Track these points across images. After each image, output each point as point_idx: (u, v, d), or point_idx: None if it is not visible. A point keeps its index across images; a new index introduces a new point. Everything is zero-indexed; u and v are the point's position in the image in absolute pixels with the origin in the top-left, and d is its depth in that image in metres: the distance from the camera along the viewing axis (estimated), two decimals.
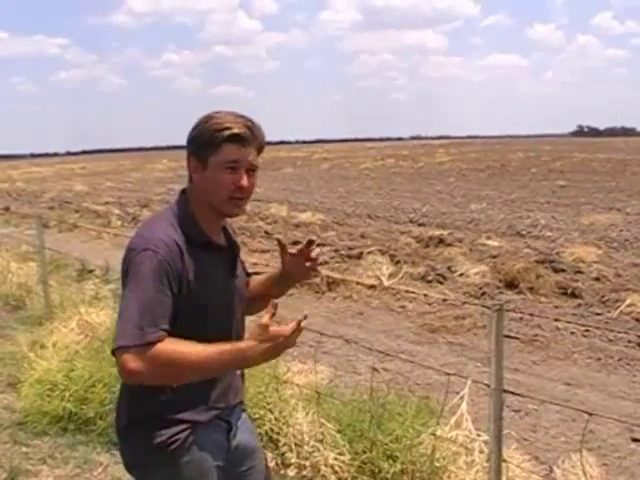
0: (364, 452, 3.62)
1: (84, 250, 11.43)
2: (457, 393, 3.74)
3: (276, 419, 3.96)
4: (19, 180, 40.76)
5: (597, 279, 8.81)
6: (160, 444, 1.90)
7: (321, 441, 3.76)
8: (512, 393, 3.14)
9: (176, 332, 1.81)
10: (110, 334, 4.79)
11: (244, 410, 2.22)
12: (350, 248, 11.27)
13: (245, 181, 1.89)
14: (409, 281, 9.00)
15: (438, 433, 3.46)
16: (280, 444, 3.84)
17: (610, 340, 6.50)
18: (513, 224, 14.44)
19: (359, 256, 10.50)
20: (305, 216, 15.98)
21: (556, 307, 7.77)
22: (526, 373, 5.74)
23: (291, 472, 3.72)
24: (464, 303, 7.56)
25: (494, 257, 10.25)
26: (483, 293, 8.33)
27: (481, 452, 3.42)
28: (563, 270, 9.29)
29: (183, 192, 1.99)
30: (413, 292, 7.83)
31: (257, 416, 3.91)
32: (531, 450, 4.17)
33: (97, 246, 12.54)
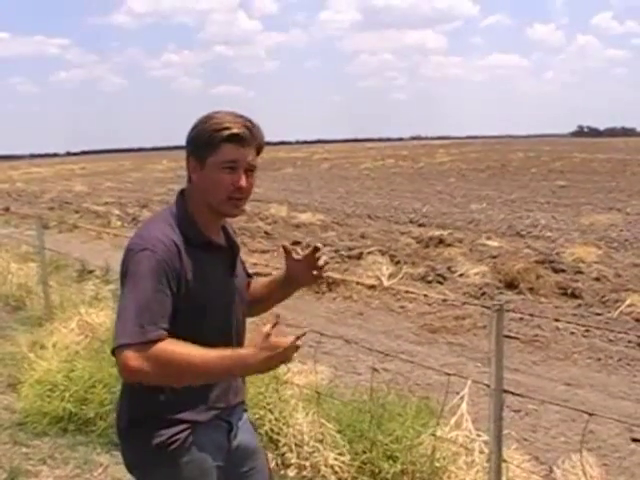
0: (364, 452, 3.62)
1: (84, 250, 11.44)
2: (457, 393, 3.74)
3: (276, 419, 3.96)
4: (19, 180, 40.78)
5: (597, 279, 8.82)
6: (160, 444, 1.90)
7: (321, 441, 3.76)
8: (512, 393, 3.13)
9: (175, 332, 1.80)
10: (110, 335, 4.78)
11: (245, 410, 2.21)
12: (350, 248, 11.27)
13: (244, 181, 1.89)
14: (409, 281, 9.00)
15: (438, 433, 3.46)
16: (280, 444, 3.84)
17: (610, 340, 6.51)
18: (513, 224, 14.45)
19: (359, 256, 10.50)
20: (305, 216, 15.98)
21: (556, 307, 7.77)
22: (526, 373, 5.74)
23: (291, 472, 3.72)
24: (464, 303, 7.56)
25: (494, 257, 10.25)
26: (483, 293, 8.33)
27: (481, 452, 3.42)
28: (563, 270, 9.29)
29: (182, 192, 2.00)
30: (413, 292, 7.83)
31: (257, 416, 3.91)
32: (531, 450, 4.17)
33: (97, 246, 12.54)
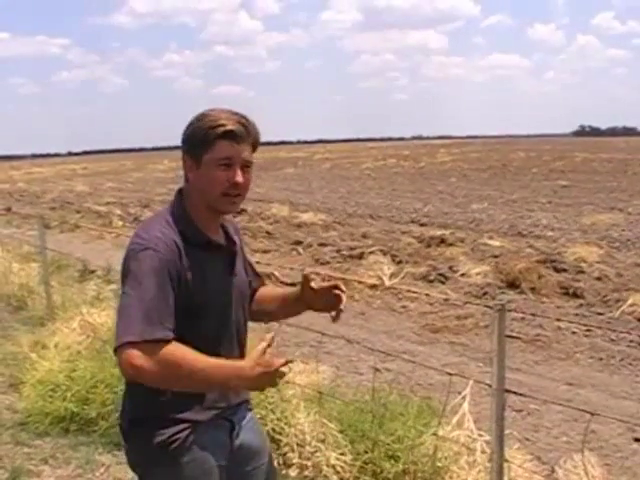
0: (366, 452, 3.62)
1: (86, 250, 11.44)
2: (459, 393, 3.73)
3: (278, 419, 3.96)
4: (20, 181, 40.79)
5: (599, 279, 8.81)
6: (161, 443, 1.90)
7: (323, 441, 3.76)
8: (514, 393, 3.13)
9: (175, 331, 1.82)
10: (112, 335, 4.79)
11: (250, 410, 2.21)
12: (352, 248, 11.28)
13: (240, 177, 1.89)
14: (411, 281, 9.00)
15: (440, 433, 3.45)
16: (282, 444, 3.84)
17: (612, 340, 6.50)
18: (515, 224, 14.44)
19: (361, 256, 10.50)
20: (307, 216, 15.98)
21: (558, 307, 7.77)
22: (528, 373, 5.73)
23: (293, 472, 3.72)
24: (466, 303, 7.56)
25: (496, 257, 10.25)
26: (485, 293, 8.33)
27: (483, 452, 3.42)
28: (565, 270, 9.29)
29: (179, 192, 2.00)
30: (415, 292, 7.83)
31: (259, 416, 3.90)
32: (533, 450, 4.16)
33: (99, 246, 12.55)
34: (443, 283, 8.95)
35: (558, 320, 6.88)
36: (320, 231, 13.91)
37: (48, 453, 4.17)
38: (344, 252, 10.97)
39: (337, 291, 2.12)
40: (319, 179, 31.29)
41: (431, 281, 9.04)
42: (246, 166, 1.92)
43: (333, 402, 4.04)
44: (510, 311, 5.80)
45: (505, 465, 2.99)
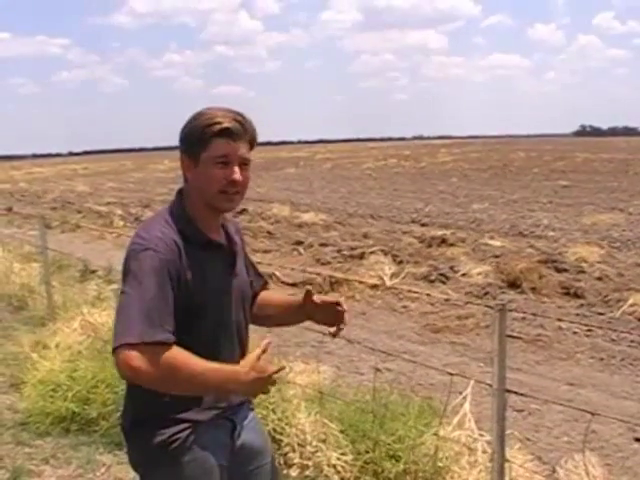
0: (367, 452, 3.62)
1: (86, 250, 11.44)
2: (460, 393, 3.74)
3: (279, 419, 3.96)
4: (21, 181, 40.80)
5: (600, 279, 8.81)
6: (161, 443, 1.90)
7: (324, 441, 3.76)
8: (515, 393, 3.13)
9: (175, 331, 1.82)
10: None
11: (252, 409, 2.21)
12: (352, 248, 11.27)
13: (237, 175, 1.89)
14: (411, 281, 9.01)
15: (441, 433, 3.45)
16: (283, 444, 3.84)
17: (613, 340, 6.50)
18: (515, 224, 14.44)
19: (361, 256, 10.50)
20: (307, 216, 15.98)
21: (559, 307, 7.77)
22: (529, 373, 5.73)
23: (294, 472, 3.72)
24: (467, 303, 7.56)
25: (497, 257, 10.26)
26: (486, 293, 8.33)
27: (484, 452, 3.42)
28: (566, 270, 9.29)
29: (179, 192, 2.00)
30: (416, 292, 7.83)
31: (260, 416, 3.90)
32: (534, 450, 4.16)
33: (99, 246, 12.55)
34: (444, 283, 8.95)
35: (559, 320, 6.88)
36: (321, 231, 13.92)
37: (49, 453, 4.17)
38: (345, 252, 10.97)
39: (339, 308, 2.14)
40: (320, 179, 31.29)
41: (432, 281, 9.03)
42: (244, 164, 1.92)
43: (334, 402, 4.04)
44: (511, 311, 5.81)
45: (506, 465, 2.99)
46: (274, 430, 3.90)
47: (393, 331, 7.11)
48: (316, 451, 3.73)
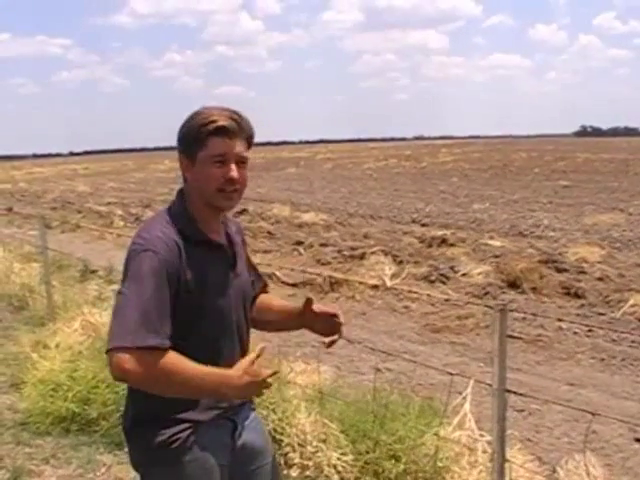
0: (367, 452, 3.62)
1: (87, 250, 11.44)
2: (460, 393, 3.73)
3: (279, 419, 3.96)
4: (22, 181, 40.82)
5: (600, 279, 8.81)
6: (161, 443, 1.90)
7: (324, 441, 3.76)
8: (515, 393, 3.13)
9: (175, 332, 1.82)
10: None
11: (253, 409, 2.22)
12: (353, 248, 11.27)
13: (235, 173, 1.89)
14: (412, 281, 9.00)
15: (441, 433, 3.45)
16: (283, 444, 3.84)
17: (613, 340, 6.50)
18: (516, 224, 14.44)
19: (362, 256, 10.50)
20: (308, 216, 15.98)
21: (559, 307, 7.76)
22: (529, 373, 5.73)
23: (294, 472, 3.72)
24: (467, 303, 7.56)
25: (497, 257, 10.25)
26: (486, 293, 8.33)
27: (484, 452, 3.42)
28: (566, 270, 9.28)
29: (180, 192, 2.00)
30: (416, 292, 7.83)
31: (260, 416, 3.90)
32: (534, 450, 4.16)
33: (100, 246, 12.55)
34: (444, 283, 8.95)
35: (559, 320, 6.88)
36: (321, 231, 13.91)
37: (49, 453, 4.17)
38: (345, 252, 10.97)
39: (337, 319, 2.15)
40: (320, 179, 31.30)
41: (432, 281, 9.03)
42: (241, 162, 1.92)
43: (334, 402, 4.04)
44: (511, 311, 5.80)
45: (506, 465, 2.98)
46: (274, 430, 3.90)
47: (393, 331, 7.11)
48: (316, 451, 3.73)
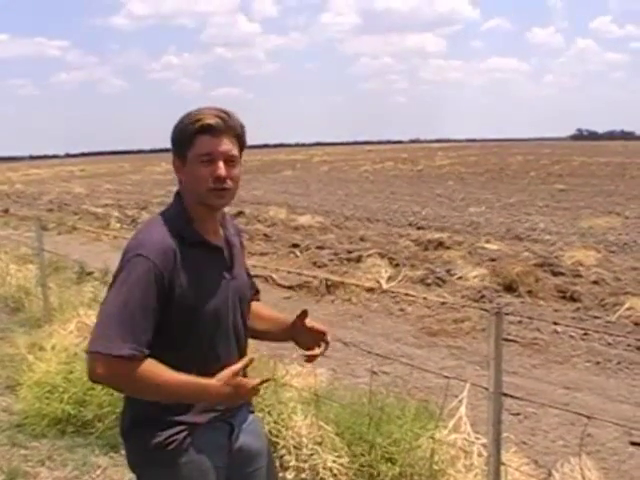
0: (363, 455, 3.62)
1: (83, 252, 11.43)
2: (456, 396, 3.74)
3: (275, 422, 3.96)
4: (18, 182, 40.74)
5: (596, 283, 8.82)
6: (158, 445, 1.91)
7: (320, 444, 3.75)
8: (511, 396, 3.13)
9: (170, 335, 1.85)
10: None
11: (252, 412, 2.22)
12: (349, 251, 11.27)
13: (222, 170, 1.88)
14: (408, 284, 9.00)
15: (437, 436, 3.45)
16: (279, 447, 3.83)
17: (609, 344, 6.50)
18: (512, 227, 14.46)
19: (358, 259, 10.50)
20: (304, 219, 15.98)
21: (555, 310, 7.77)
22: (525, 376, 5.74)
23: (289, 475, 3.71)
24: (463, 306, 7.56)
25: (493, 260, 10.26)
26: (482, 296, 8.33)
27: (480, 455, 3.42)
28: (562, 273, 9.30)
29: (177, 194, 2.01)
30: (412, 295, 7.82)
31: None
32: (530, 454, 4.17)
33: (96, 248, 12.53)
34: (440, 286, 8.95)
35: (555, 324, 6.89)
36: (318, 234, 13.91)
37: (45, 455, 4.16)
38: (342, 255, 10.97)
39: (325, 338, 2.18)
40: (317, 182, 31.31)
41: (428, 284, 9.03)
42: (230, 160, 1.92)
43: (330, 405, 4.04)
44: (507, 314, 5.80)
45: (502, 468, 2.98)
46: (270, 432, 3.89)
47: (390, 334, 7.11)
48: (312, 454, 3.73)
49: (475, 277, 9.14)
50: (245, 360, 1.87)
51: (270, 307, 2.36)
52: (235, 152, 1.93)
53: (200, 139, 1.88)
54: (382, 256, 10.47)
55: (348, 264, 10.38)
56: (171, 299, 1.83)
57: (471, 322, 7.18)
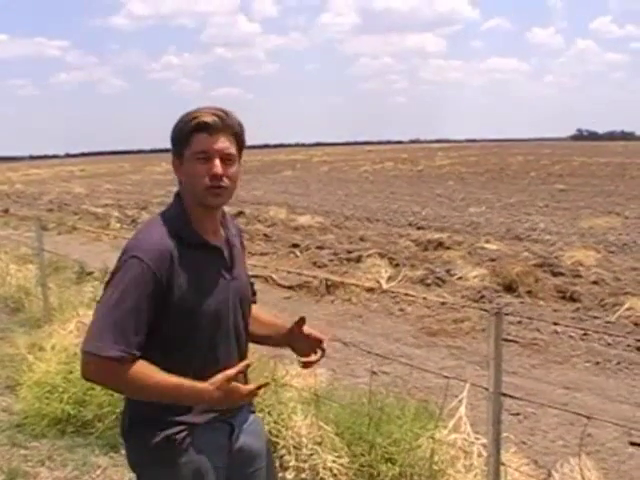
0: (362, 455, 3.62)
1: (83, 252, 11.43)
2: (456, 396, 3.73)
3: (275, 422, 3.96)
4: (18, 182, 40.75)
5: (596, 283, 8.82)
6: (158, 444, 1.91)
7: (320, 444, 3.75)
8: (511, 397, 3.14)
9: (170, 335, 1.86)
10: None
11: (253, 412, 2.22)
12: (349, 251, 11.27)
13: (219, 168, 1.88)
14: (408, 284, 9.00)
15: (437, 436, 3.46)
16: (279, 447, 3.83)
17: (609, 344, 6.50)
18: (512, 228, 14.46)
19: (358, 259, 10.50)
20: (304, 219, 15.99)
21: (555, 311, 7.77)
22: (525, 377, 5.74)
23: (289, 475, 3.71)
24: (463, 306, 7.57)
25: (493, 260, 10.27)
26: (482, 296, 8.33)
27: (479, 455, 3.42)
28: (562, 274, 9.30)
29: (177, 195, 2.00)
30: (412, 295, 7.82)
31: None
32: (530, 454, 4.17)
33: (96, 248, 12.52)
34: (440, 286, 8.96)
35: (555, 324, 6.89)
36: (318, 234, 13.91)
37: (45, 455, 4.16)
38: (342, 255, 10.97)
39: (321, 345, 2.18)
40: (317, 182, 31.31)
41: (428, 284, 9.04)
42: (227, 159, 1.91)
43: (330, 405, 4.04)
44: (507, 314, 5.81)
45: (502, 469, 2.99)
46: (270, 432, 3.89)
47: (389, 334, 7.11)
48: (312, 454, 3.73)
49: (475, 277, 9.14)
50: (240, 366, 1.87)
51: (268, 311, 2.36)
52: (232, 150, 1.92)
53: (197, 137, 1.88)
54: (382, 256, 10.47)
55: (348, 264, 10.38)
56: (169, 300, 1.84)
57: (471, 322, 7.19)
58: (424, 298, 7.81)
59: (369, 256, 10.48)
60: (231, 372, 1.83)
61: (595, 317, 7.41)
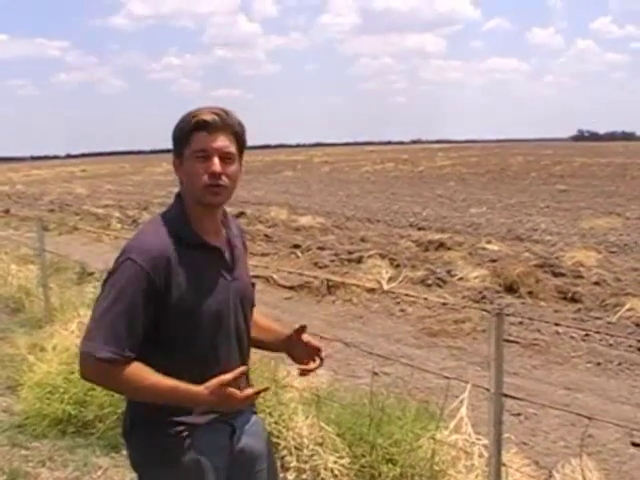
0: (363, 456, 3.62)
1: (84, 253, 11.43)
2: (457, 397, 3.73)
3: (276, 422, 3.96)
4: (19, 183, 40.80)
5: (597, 283, 8.81)
6: (159, 445, 1.92)
7: (321, 444, 3.75)
8: (512, 397, 3.13)
9: (171, 335, 1.86)
10: None
11: (254, 412, 2.21)
12: (350, 252, 11.27)
13: (217, 167, 1.87)
14: (409, 285, 9.00)
15: (438, 437, 3.45)
16: (280, 447, 3.83)
17: (610, 344, 6.50)
18: (513, 228, 14.45)
19: (359, 260, 10.50)
20: (305, 220, 15.99)
21: (556, 311, 7.76)
22: (526, 377, 5.74)
23: (290, 476, 3.71)
24: (464, 307, 7.56)
25: (494, 261, 10.25)
26: (483, 297, 8.33)
27: (481, 456, 3.42)
28: (563, 274, 9.29)
29: (177, 195, 2.00)
30: (413, 296, 7.82)
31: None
32: (531, 454, 4.17)
33: (97, 249, 12.52)
34: (441, 287, 8.95)
35: (556, 324, 6.88)
36: (319, 234, 13.91)
37: (46, 455, 4.16)
38: (342, 256, 10.97)
39: (320, 354, 2.16)
40: (318, 182, 31.32)
41: (429, 285, 9.03)
42: (227, 157, 1.91)
43: (331, 405, 4.04)
44: (508, 315, 5.81)
45: (503, 469, 2.98)
46: (271, 433, 3.89)
47: (390, 335, 7.11)
48: (313, 454, 3.73)
49: (476, 278, 9.14)
50: (237, 372, 1.84)
51: (266, 315, 2.35)
52: (232, 149, 1.92)
53: (196, 136, 1.88)
54: (383, 257, 10.47)
55: (349, 265, 10.38)
56: (168, 300, 1.83)
57: (472, 323, 7.18)
58: (425, 299, 7.81)
59: (370, 257, 10.48)
60: (226, 377, 1.81)
61: (596, 318, 7.40)
